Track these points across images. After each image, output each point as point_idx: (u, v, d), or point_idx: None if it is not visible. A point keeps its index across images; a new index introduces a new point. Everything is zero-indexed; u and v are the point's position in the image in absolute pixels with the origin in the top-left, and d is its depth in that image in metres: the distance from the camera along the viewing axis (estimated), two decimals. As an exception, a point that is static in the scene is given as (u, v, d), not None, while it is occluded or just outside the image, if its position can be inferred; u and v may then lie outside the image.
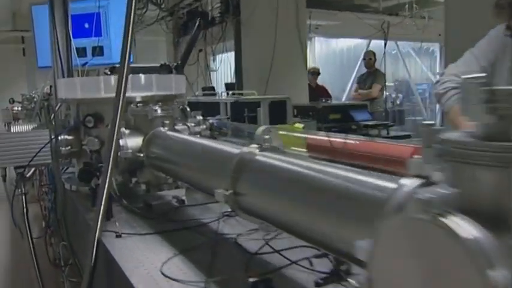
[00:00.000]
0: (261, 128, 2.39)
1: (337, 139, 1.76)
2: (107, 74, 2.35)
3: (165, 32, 8.40)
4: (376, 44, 9.68)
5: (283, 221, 1.15)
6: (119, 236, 1.64)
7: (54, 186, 2.69)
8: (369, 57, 7.71)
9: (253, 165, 1.21)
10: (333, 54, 10.21)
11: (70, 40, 3.59)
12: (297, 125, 2.22)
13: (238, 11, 6.03)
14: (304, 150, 2.10)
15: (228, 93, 4.73)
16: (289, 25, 5.66)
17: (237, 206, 1.22)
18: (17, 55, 12.10)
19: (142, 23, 7.25)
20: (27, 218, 2.35)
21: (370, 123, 4.93)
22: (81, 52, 4.30)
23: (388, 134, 4.96)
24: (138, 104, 2.25)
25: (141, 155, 1.92)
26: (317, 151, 1.88)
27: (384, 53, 9.66)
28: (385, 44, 9.75)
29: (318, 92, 7.19)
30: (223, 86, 8.93)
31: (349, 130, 4.70)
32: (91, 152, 2.10)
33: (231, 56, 8.25)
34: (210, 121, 2.79)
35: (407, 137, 5.38)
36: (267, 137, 1.27)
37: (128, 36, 1.62)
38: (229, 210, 1.91)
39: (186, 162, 1.58)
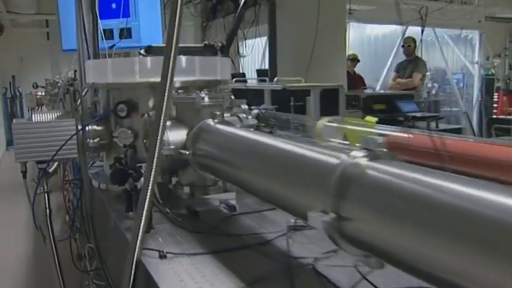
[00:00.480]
0: (323, 120, 2.04)
1: (438, 138, 1.39)
2: (142, 54, 2.01)
3: (193, 16, 8.03)
4: (412, 31, 9.18)
5: (403, 256, 0.82)
6: (163, 256, 1.30)
7: (81, 182, 2.38)
8: (408, 44, 7.23)
9: (364, 180, 0.86)
10: (367, 41, 9.73)
11: (97, 21, 3.30)
12: (368, 118, 1.85)
13: (273, -7, 5.64)
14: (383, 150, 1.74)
15: (260, 79, 4.37)
16: (327, 9, 5.25)
17: (339, 234, 0.88)
18: (41, 39, 11.89)
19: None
20: (51, 220, 2.04)
21: (418, 114, 4.53)
22: (108, 34, 3.98)
23: (437, 127, 4.55)
24: (179, 91, 1.91)
25: (187, 152, 1.58)
26: (403, 153, 1.51)
27: (421, 40, 9.17)
28: (423, 31, 9.25)
29: (354, 81, 6.77)
30: (251, 72, 8.59)
31: (396, 122, 4.31)
32: (125, 146, 1.77)
33: (260, 41, 7.87)
34: (255, 111, 2.46)
35: (458, 130, 4.98)
36: (380, 140, 0.91)
37: (176, 10, 1.28)
38: (293, 221, 1.58)
39: (253, 167, 1.23)
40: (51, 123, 1.96)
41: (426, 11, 8.86)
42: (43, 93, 7.70)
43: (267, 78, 4.12)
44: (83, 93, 2.35)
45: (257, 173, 1.19)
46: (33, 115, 2.06)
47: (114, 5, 4.59)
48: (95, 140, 2.06)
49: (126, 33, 4.39)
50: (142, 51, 2.01)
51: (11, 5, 9.61)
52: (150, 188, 1.22)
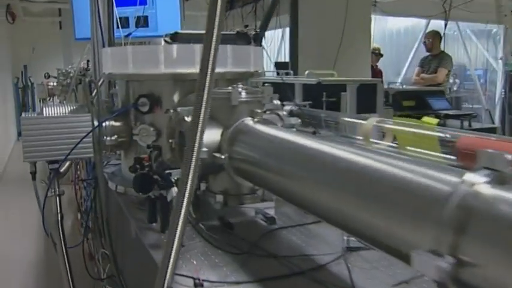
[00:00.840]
0: (372, 120, 1.80)
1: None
2: (167, 42, 1.78)
3: (208, 5, 7.78)
4: (434, 25, 8.87)
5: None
6: (199, 285, 1.08)
7: (95, 182, 2.17)
8: (428, 39, 6.86)
9: (492, 214, 0.63)
10: (389, 35, 9.42)
11: (112, 8, 3.09)
12: (426, 118, 1.61)
13: (295, -19, 5.37)
14: (447, 157, 1.50)
15: (278, 72, 4.13)
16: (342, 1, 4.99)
17: (454, 282, 0.64)
18: (54, 28, 11.70)
19: (185, -5, 6.65)
20: (62, 227, 1.83)
21: (450, 112, 4.26)
22: (123, 22, 3.76)
23: (470, 126, 4.27)
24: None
25: (222, 156, 1.35)
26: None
27: (444, 34, 8.86)
28: (446, 25, 8.93)
29: (375, 75, 6.49)
30: (267, 64, 8.32)
31: (426, 120, 4.04)
32: (148, 147, 1.55)
33: (275, 32, 7.62)
34: (288, 107, 2.22)
35: (493, 130, 4.70)
36: (510, 157, 0.67)
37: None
38: (346, 238, 1.35)
39: (312, 180, 1.00)
40: (64, 119, 1.74)
41: (450, 4, 8.54)
42: (55, 84, 7.51)
43: (291, 71, 3.88)
44: (100, 83, 2.13)
45: (317, 187, 0.96)
46: (44, 108, 1.84)
47: (130, -8, 4.35)
48: (113, 138, 1.84)
49: (143, 21, 4.18)
50: (167, 38, 1.78)
51: (23, -7, 9.43)
52: (185, 203, 0.99)
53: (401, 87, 4.92)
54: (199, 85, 1.02)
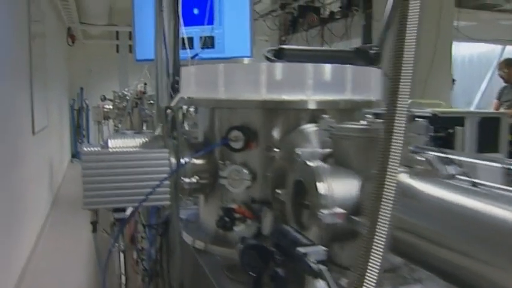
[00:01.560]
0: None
1: None
2: (270, 60, 1.38)
3: (271, 29, 7.48)
4: (509, 52, 8.24)
5: None
6: None
7: (163, 229, 1.79)
8: (503, 70, 6.10)
9: None
10: (461, 61, 8.83)
11: (179, 27, 2.78)
12: None
13: (370, 3, 4.96)
14: None
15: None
16: (433, 24, 4.52)
17: None
18: (111, 51, 11.74)
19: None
20: (126, 291, 1.44)
21: None
22: (188, 42, 3.44)
23: None
24: (325, 116, 1.26)
25: (369, 223, 0.92)
26: None
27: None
28: (523, 52, 8.30)
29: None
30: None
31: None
32: (254, 201, 1.14)
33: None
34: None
35: None
36: None
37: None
38: None
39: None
40: (136, 155, 1.36)
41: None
42: (110, 107, 7.37)
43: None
44: (175, 103, 1.75)
45: None
46: (109, 140, 1.48)
47: (196, 11, 4.05)
48: (193, 179, 1.46)
49: (209, 42, 3.86)
50: (269, 55, 1.39)
51: (84, 16, 9.44)
52: None
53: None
54: (387, 126, 0.61)
